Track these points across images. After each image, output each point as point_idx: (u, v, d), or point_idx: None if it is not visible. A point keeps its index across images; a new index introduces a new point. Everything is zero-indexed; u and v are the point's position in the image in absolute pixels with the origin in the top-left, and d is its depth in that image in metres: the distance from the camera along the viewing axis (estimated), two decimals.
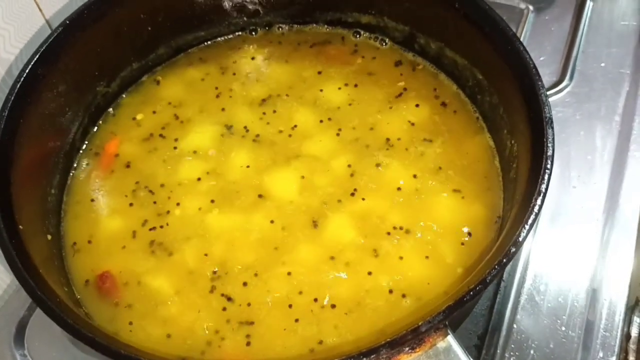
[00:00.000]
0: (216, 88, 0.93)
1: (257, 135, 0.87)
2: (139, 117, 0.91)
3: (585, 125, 0.99)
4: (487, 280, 0.59)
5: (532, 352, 0.79)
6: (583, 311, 0.82)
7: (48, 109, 0.80)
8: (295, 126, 0.88)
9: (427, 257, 0.75)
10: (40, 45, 0.78)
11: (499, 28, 0.76)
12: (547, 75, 1.03)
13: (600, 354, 0.79)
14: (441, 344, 0.58)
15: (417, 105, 0.88)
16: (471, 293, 0.58)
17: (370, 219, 0.79)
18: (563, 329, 0.81)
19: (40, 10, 0.92)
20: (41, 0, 0.91)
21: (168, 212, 0.81)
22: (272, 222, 0.79)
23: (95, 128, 0.91)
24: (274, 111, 0.90)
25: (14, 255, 0.63)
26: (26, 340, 0.85)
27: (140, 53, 0.93)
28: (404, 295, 0.73)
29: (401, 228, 0.78)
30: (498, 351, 0.79)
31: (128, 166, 0.86)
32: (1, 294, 0.94)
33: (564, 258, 0.87)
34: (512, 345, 0.80)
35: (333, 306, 0.73)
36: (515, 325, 0.81)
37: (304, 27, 0.98)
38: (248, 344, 0.71)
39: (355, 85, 0.91)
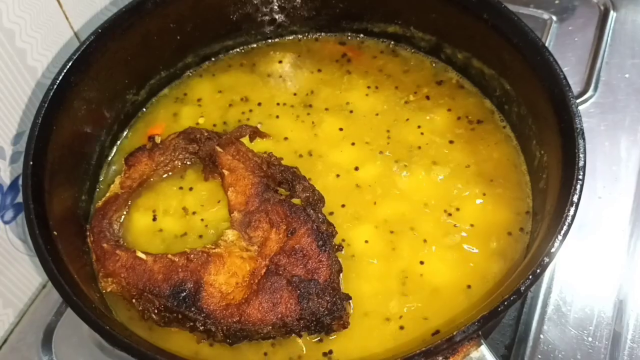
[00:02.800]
0: (242, 99, 0.94)
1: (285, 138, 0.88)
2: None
3: (610, 136, 0.99)
4: (521, 291, 0.59)
5: None
6: (610, 322, 0.82)
7: (79, 117, 0.82)
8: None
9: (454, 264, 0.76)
10: (73, 54, 0.80)
11: (529, 39, 0.77)
12: (571, 86, 1.03)
13: None
14: (475, 354, 0.58)
15: (442, 113, 0.89)
16: (505, 303, 0.58)
17: (397, 225, 0.79)
18: (590, 339, 0.81)
19: (67, 19, 0.94)
20: (67, 9, 0.92)
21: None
22: None
23: (124, 134, 0.92)
24: (297, 116, 0.91)
25: (49, 261, 0.64)
26: (53, 345, 0.87)
27: (168, 62, 0.94)
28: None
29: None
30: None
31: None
32: (26, 300, 0.95)
33: (590, 269, 0.87)
34: (539, 356, 0.80)
35: None
36: (542, 336, 0.81)
37: (330, 37, 0.99)
38: None
39: (376, 88, 0.92)
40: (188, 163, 0.86)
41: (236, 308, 0.69)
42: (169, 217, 0.82)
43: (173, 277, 0.72)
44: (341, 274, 0.74)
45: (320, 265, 0.71)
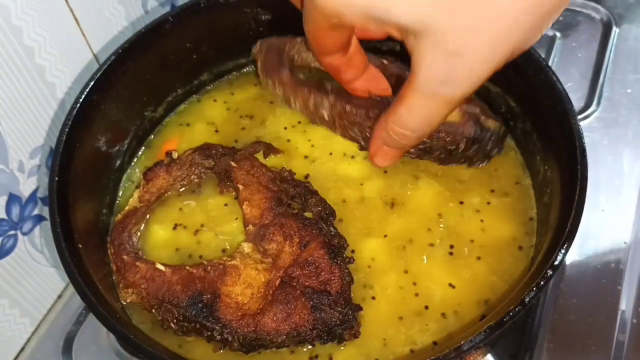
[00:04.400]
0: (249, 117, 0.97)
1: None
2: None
3: (613, 150, 1.01)
4: (526, 302, 0.61)
5: None
6: (613, 332, 0.84)
7: (100, 134, 0.85)
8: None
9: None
10: (95, 73, 0.83)
11: (532, 58, 0.79)
12: (574, 101, 1.03)
13: None
14: None
15: None
16: (511, 314, 0.61)
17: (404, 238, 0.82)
18: (593, 348, 0.83)
19: (84, 36, 0.97)
20: (84, 26, 0.96)
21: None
22: None
23: (142, 150, 0.95)
24: (305, 131, 0.93)
25: (75, 273, 0.67)
26: (73, 353, 0.89)
27: (185, 79, 0.97)
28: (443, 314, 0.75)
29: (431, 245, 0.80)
30: None
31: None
32: (43, 310, 0.98)
33: (593, 280, 0.89)
34: None
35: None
36: (546, 344, 0.84)
37: None
38: None
39: None
40: (204, 177, 0.89)
41: (252, 318, 0.72)
42: (186, 230, 0.85)
43: (191, 288, 0.74)
44: (352, 285, 0.76)
45: (333, 277, 0.74)
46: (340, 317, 0.72)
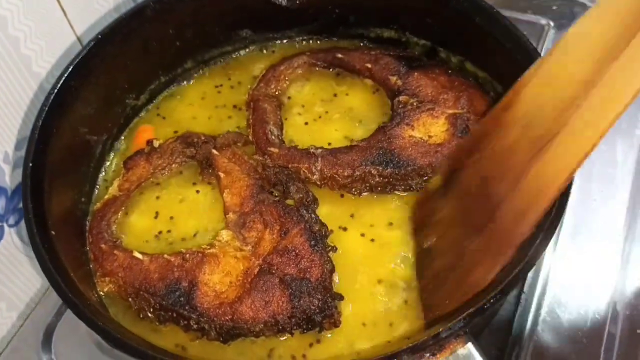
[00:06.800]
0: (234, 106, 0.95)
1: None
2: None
3: (606, 140, 0.97)
4: (506, 289, 0.60)
5: None
6: (604, 323, 0.82)
7: (79, 120, 0.83)
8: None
9: None
10: (73, 59, 0.81)
11: (520, 43, 0.78)
12: None
13: None
14: (461, 351, 0.59)
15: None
16: (491, 301, 0.59)
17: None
18: (584, 341, 0.81)
19: (71, 26, 0.96)
20: (72, 17, 0.94)
21: None
22: None
23: (123, 138, 0.94)
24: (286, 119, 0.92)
25: (47, 260, 0.66)
26: (53, 346, 0.88)
27: (168, 67, 0.96)
28: None
29: None
30: None
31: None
32: (28, 302, 0.96)
33: (585, 270, 0.88)
34: (533, 355, 0.80)
35: None
36: (535, 337, 0.82)
37: (326, 41, 1.01)
38: None
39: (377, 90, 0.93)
40: (185, 166, 0.87)
41: (229, 306, 0.70)
42: (165, 219, 0.83)
43: (168, 277, 0.73)
44: (334, 274, 0.75)
45: (312, 265, 0.72)
46: (319, 305, 0.70)
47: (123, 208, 0.84)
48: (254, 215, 0.77)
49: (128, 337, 0.62)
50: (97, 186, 0.89)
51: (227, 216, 0.79)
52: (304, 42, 1.01)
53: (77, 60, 0.81)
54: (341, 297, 0.73)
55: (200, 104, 0.96)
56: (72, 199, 0.82)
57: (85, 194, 0.85)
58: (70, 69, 0.80)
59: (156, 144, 0.88)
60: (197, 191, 0.86)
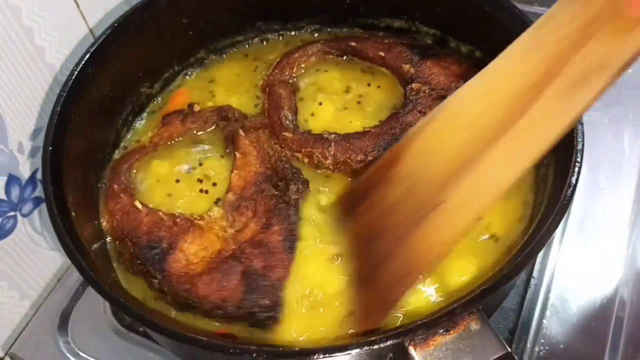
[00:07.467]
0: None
1: None
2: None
3: (614, 129, 1.00)
4: (519, 266, 0.61)
5: (561, 346, 0.80)
6: (612, 307, 0.83)
7: (95, 107, 0.84)
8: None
9: None
10: (90, 46, 0.83)
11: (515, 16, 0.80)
12: None
13: (630, 350, 0.80)
14: (474, 327, 0.60)
15: None
16: (504, 278, 0.60)
17: None
18: (593, 324, 0.82)
19: (84, 18, 0.97)
20: (84, 8, 0.95)
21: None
22: None
23: (138, 125, 0.95)
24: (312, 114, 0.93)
25: (67, 239, 0.67)
26: (69, 329, 0.89)
27: (181, 56, 0.97)
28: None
29: None
30: (528, 345, 0.81)
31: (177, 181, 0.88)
32: (41, 292, 0.98)
33: (593, 256, 0.89)
34: (542, 340, 0.81)
35: None
36: (545, 321, 0.83)
37: (337, 32, 1.02)
38: None
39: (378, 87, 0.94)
40: (213, 136, 0.90)
41: (190, 278, 0.72)
42: (177, 179, 0.85)
43: (154, 233, 0.76)
44: None
45: (279, 265, 0.73)
46: (268, 305, 0.71)
47: (147, 158, 0.87)
48: (249, 202, 0.79)
49: (150, 313, 0.64)
50: None
51: (226, 195, 0.81)
52: (315, 34, 1.02)
53: (95, 47, 0.82)
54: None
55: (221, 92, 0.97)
56: (89, 183, 0.83)
57: (101, 178, 0.86)
58: (87, 57, 0.82)
59: (197, 108, 0.91)
60: (217, 163, 0.88)
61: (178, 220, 0.77)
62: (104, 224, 0.81)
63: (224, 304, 0.70)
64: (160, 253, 0.74)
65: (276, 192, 0.80)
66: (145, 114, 0.95)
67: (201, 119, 0.89)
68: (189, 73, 0.99)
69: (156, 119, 0.94)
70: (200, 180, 0.85)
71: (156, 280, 0.73)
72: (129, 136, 0.93)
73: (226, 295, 0.71)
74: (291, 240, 0.75)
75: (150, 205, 0.81)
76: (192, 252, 0.74)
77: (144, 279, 0.76)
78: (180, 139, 0.89)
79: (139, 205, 0.78)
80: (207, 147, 0.89)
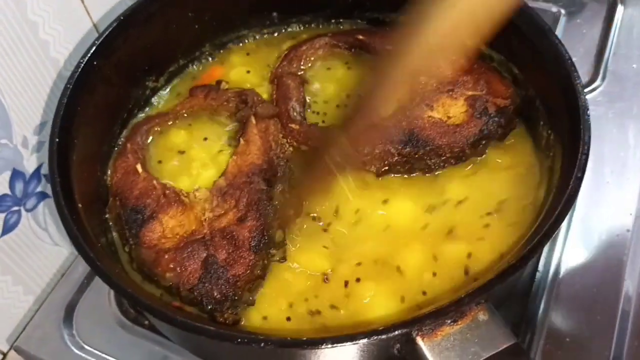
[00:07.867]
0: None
1: None
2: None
3: (618, 124, 1.00)
4: (526, 258, 0.61)
5: (567, 339, 0.80)
6: (618, 300, 0.83)
7: (102, 99, 0.85)
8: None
9: None
10: (97, 39, 0.83)
11: (535, 23, 0.79)
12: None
13: (636, 343, 0.80)
14: (482, 317, 0.60)
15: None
16: (512, 269, 0.60)
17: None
18: (598, 317, 0.82)
19: (88, 13, 0.97)
20: (88, 3, 0.95)
21: None
22: None
23: (142, 115, 0.95)
24: (317, 113, 0.93)
25: (74, 229, 0.67)
26: (74, 322, 0.89)
27: (187, 50, 0.97)
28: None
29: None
30: (535, 338, 0.81)
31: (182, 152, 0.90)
32: (45, 287, 0.98)
33: (599, 249, 0.88)
34: (547, 333, 0.81)
35: None
36: (550, 313, 0.83)
37: (341, 26, 1.02)
38: None
39: None
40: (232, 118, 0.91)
41: (157, 251, 0.74)
42: (186, 151, 0.88)
43: (142, 199, 0.78)
44: (262, 281, 0.75)
45: (241, 261, 0.73)
46: (216, 297, 0.71)
47: (166, 125, 0.90)
48: (235, 191, 0.79)
49: (156, 303, 0.64)
50: None
51: (218, 178, 0.81)
52: (320, 27, 1.02)
53: (101, 40, 0.83)
54: (251, 303, 0.74)
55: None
56: (95, 175, 0.83)
57: (106, 170, 0.86)
58: (93, 49, 0.82)
59: (225, 86, 0.92)
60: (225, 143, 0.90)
61: (167, 192, 0.78)
62: (108, 180, 0.83)
63: (178, 284, 0.72)
64: (140, 220, 0.76)
65: (264, 187, 0.80)
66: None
67: (221, 98, 0.90)
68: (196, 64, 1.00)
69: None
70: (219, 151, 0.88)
71: (127, 246, 0.76)
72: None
73: (181, 276, 0.72)
74: (259, 239, 0.75)
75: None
76: (169, 227, 0.76)
77: (119, 239, 0.79)
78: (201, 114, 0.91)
79: (139, 169, 0.81)
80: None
